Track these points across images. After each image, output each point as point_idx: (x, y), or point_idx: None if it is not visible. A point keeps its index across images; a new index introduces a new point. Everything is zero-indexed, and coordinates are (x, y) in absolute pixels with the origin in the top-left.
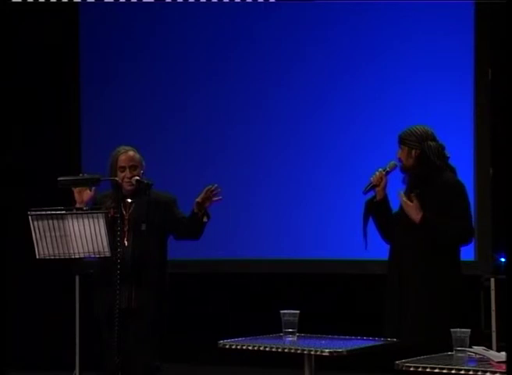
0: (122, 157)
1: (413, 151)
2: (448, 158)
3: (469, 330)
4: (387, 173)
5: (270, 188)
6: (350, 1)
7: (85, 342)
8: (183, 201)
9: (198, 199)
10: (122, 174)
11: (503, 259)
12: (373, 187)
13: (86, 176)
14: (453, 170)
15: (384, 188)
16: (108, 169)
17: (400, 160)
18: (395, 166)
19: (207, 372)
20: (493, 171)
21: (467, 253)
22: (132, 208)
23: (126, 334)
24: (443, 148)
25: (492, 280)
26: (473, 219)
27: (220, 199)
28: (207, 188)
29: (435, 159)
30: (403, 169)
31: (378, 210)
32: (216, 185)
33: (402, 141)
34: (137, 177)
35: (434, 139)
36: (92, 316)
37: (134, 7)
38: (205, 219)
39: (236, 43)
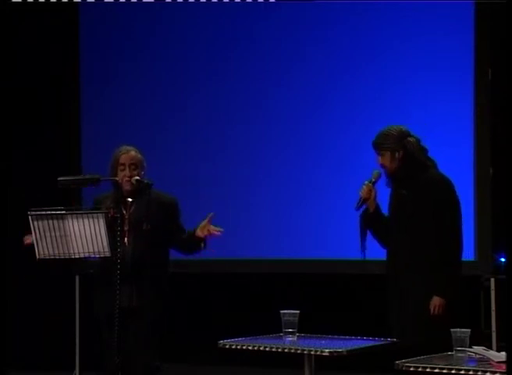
0: (123, 156)
1: (396, 154)
2: (427, 151)
3: (469, 330)
4: (374, 183)
5: (270, 188)
6: (350, 1)
7: (85, 342)
8: (183, 202)
9: (199, 234)
10: (122, 173)
11: (503, 259)
12: (364, 201)
13: (86, 176)
14: (434, 164)
15: (374, 199)
16: (109, 168)
17: (382, 166)
18: (379, 175)
19: (207, 372)
20: (493, 171)
21: (467, 253)
22: (133, 208)
23: (126, 334)
24: (420, 141)
25: (492, 280)
26: (463, 224)
27: (220, 234)
28: (209, 218)
29: (418, 155)
30: (389, 174)
31: (374, 221)
32: (219, 228)
33: (380, 147)
34: (137, 177)
35: (410, 134)
36: (92, 316)
37: (134, 7)
38: (202, 246)
39: (236, 43)
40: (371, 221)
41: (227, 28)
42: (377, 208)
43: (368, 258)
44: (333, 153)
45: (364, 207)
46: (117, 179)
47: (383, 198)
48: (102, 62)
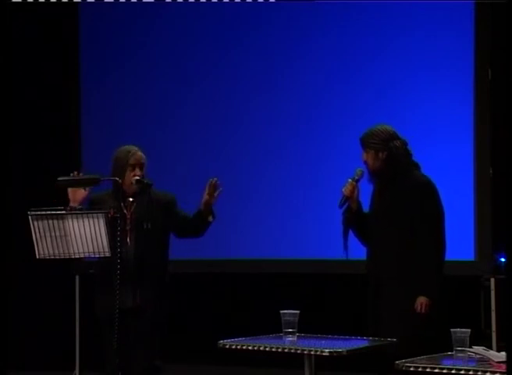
0: (133, 157)
1: (379, 154)
2: (412, 155)
3: (469, 330)
4: (357, 181)
5: (271, 188)
6: (350, 1)
7: (85, 342)
8: (183, 201)
9: (206, 198)
10: (132, 173)
11: (503, 259)
12: (347, 199)
13: (86, 176)
14: (418, 167)
15: (357, 197)
16: (113, 166)
17: (365, 163)
18: (363, 173)
19: (207, 372)
20: (493, 171)
21: (467, 253)
22: (134, 207)
23: (127, 334)
24: (406, 144)
25: (492, 280)
26: (446, 223)
27: (221, 191)
28: (209, 183)
29: (402, 159)
30: (371, 172)
31: (357, 220)
32: (216, 178)
33: (366, 144)
34: (137, 177)
35: (397, 137)
36: (92, 316)
37: (134, 7)
38: (210, 219)
39: (235, 41)
40: (355, 219)
41: (227, 27)
42: (359, 206)
43: (351, 258)
44: (334, 153)
45: (346, 205)
46: (117, 179)
47: (365, 196)
48: (102, 62)
